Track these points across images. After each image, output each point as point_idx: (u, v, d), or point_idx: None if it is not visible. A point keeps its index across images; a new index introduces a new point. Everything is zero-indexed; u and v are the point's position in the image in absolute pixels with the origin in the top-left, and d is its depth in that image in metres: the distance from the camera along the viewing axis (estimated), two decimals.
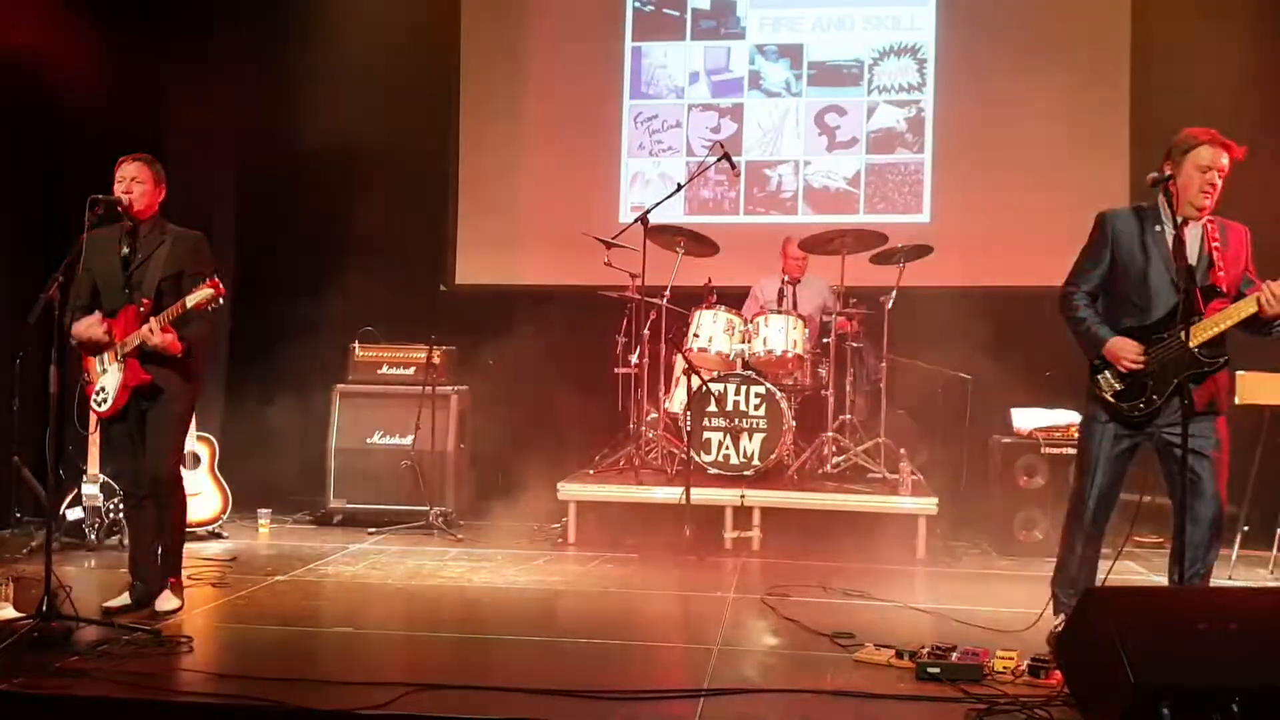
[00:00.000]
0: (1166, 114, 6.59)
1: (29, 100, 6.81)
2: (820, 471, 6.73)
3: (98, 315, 4.58)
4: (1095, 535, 4.12)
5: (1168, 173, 3.99)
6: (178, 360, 4.58)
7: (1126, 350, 3.97)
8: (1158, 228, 4.03)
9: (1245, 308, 3.87)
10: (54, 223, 6.71)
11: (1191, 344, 3.82)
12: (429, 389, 6.89)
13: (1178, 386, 3.88)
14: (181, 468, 4.81)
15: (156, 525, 4.72)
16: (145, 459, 4.64)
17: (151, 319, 4.46)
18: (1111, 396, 3.99)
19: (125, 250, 4.58)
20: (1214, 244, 3.91)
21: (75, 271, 4.48)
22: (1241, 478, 5.83)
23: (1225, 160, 3.95)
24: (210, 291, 4.39)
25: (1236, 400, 5.76)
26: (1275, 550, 5.85)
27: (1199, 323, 3.84)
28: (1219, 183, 3.94)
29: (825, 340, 6.89)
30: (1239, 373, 5.75)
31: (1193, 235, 4.00)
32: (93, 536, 5.96)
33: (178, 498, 4.73)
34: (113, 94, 7.14)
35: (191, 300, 4.40)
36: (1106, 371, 4.03)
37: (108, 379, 4.57)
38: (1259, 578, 5.74)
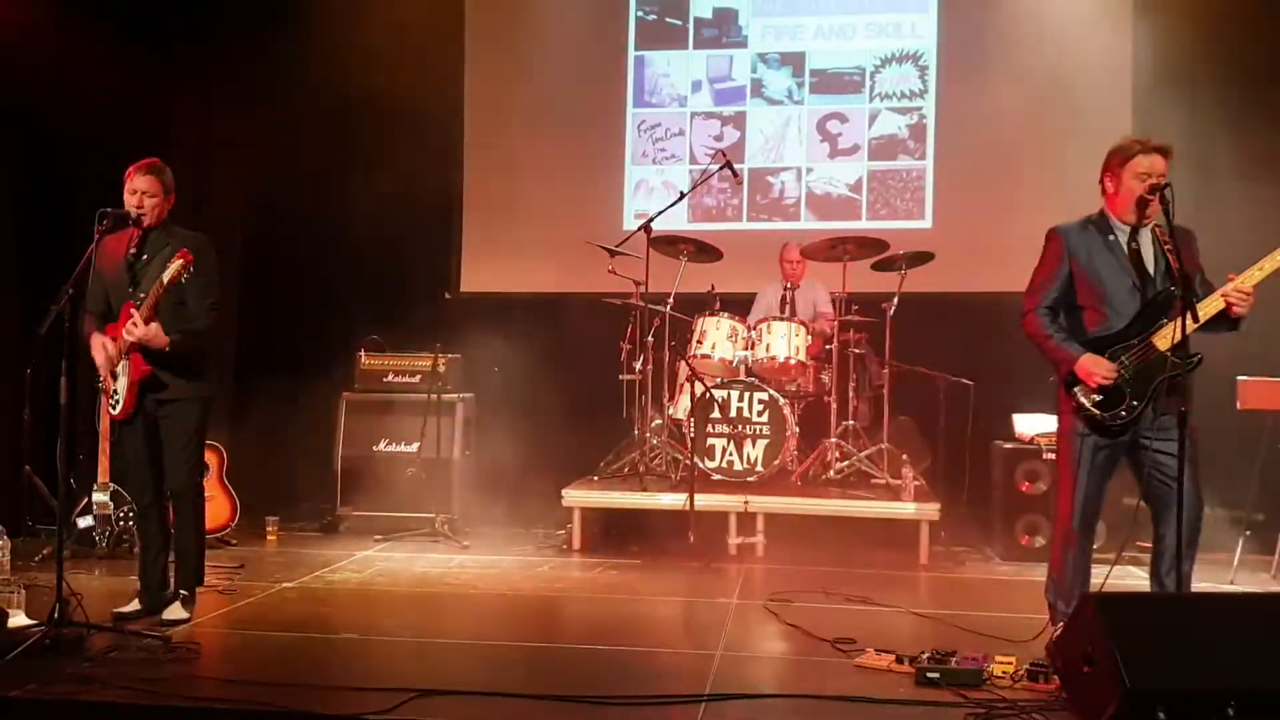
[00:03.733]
0: (1168, 121, 6.64)
1: (37, 110, 6.88)
2: (823, 477, 6.76)
3: (100, 340, 4.63)
4: (1084, 544, 4.15)
5: (1107, 184, 4.10)
6: (182, 363, 4.62)
7: (1099, 367, 3.97)
8: (1111, 236, 4.09)
9: (1211, 306, 3.91)
10: (63, 234, 6.78)
11: (1163, 347, 3.87)
12: (434, 397, 6.94)
13: (1155, 391, 3.92)
14: (202, 476, 4.86)
15: (165, 534, 4.78)
16: (159, 469, 4.70)
17: (134, 313, 4.49)
18: (1093, 407, 4.02)
19: (132, 253, 4.64)
20: (1167, 248, 3.95)
21: (85, 283, 4.53)
22: (1243, 484, 5.86)
23: (1163, 164, 4.00)
24: (180, 262, 4.41)
25: (1238, 406, 5.79)
26: (1277, 556, 5.87)
27: (1168, 326, 3.88)
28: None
29: (828, 346, 6.93)
30: (1240, 378, 5.77)
31: (1145, 241, 4.06)
32: (103, 544, 6.01)
33: (196, 509, 4.78)
34: (121, 104, 7.22)
35: (166, 275, 4.42)
36: (1083, 383, 4.06)
37: (119, 380, 4.63)
38: (1261, 583, 5.77)
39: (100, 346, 4.63)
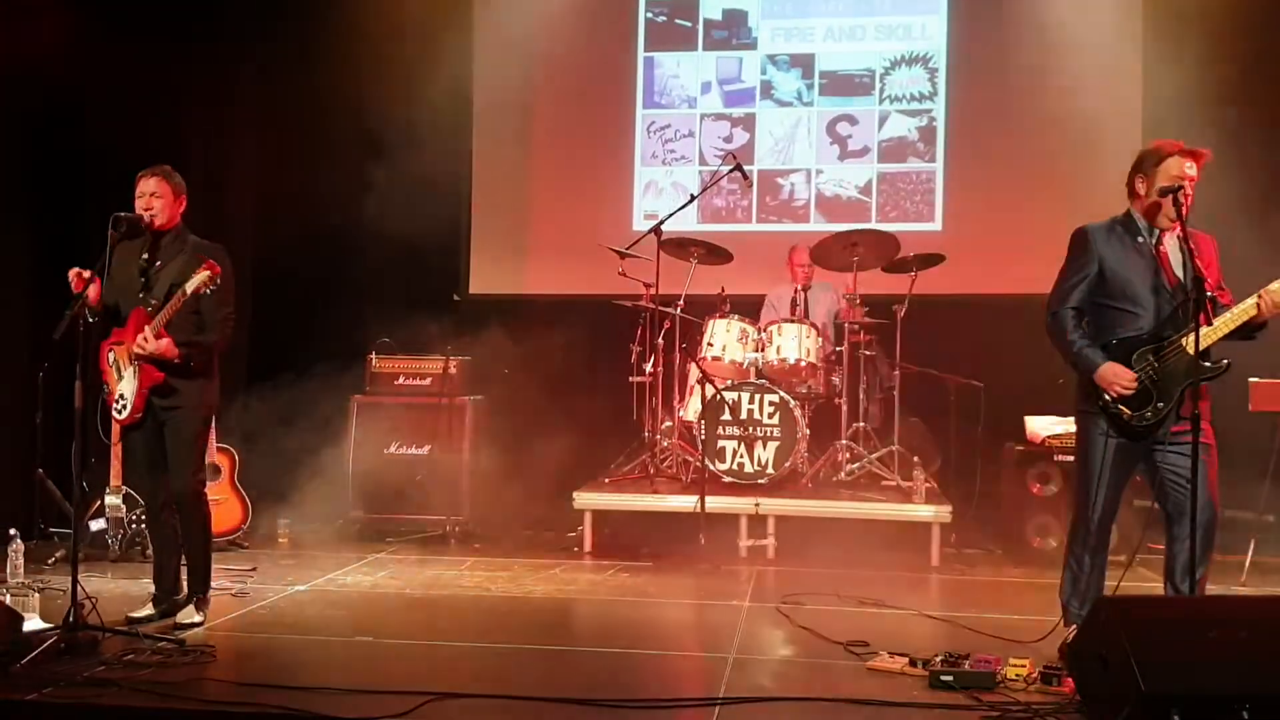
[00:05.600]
0: (1178, 121, 6.62)
1: (52, 115, 6.91)
2: (834, 479, 6.76)
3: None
4: (1101, 546, 4.15)
5: (1138, 185, 4.09)
6: (191, 371, 4.63)
7: (1120, 377, 3.98)
8: (1139, 239, 4.08)
9: (1244, 312, 3.91)
10: (77, 238, 6.80)
11: (1191, 351, 3.86)
12: (445, 399, 6.95)
13: (1182, 394, 3.92)
14: (205, 481, 4.87)
15: (177, 537, 4.80)
16: (166, 473, 4.70)
17: (145, 327, 4.49)
18: (1123, 405, 4.01)
19: (144, 257, 4.65)
20: (1194, 253, 3.95)
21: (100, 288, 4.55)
22: (1254, 486, 5.84)
23: (1195, 170, 4.00)
24: (207, 273, 4.41)
25: (1250, 408, 5.78)
26: None
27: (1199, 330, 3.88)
28: (1190, 192, 3.98)
29: (839, 347, 6.92)
30: (1251, 380, 5.76)
31: (1171, 245, 4.06)
32: (116, 547, 6.03)
33: (201, 513, 4.77)
34: (134, 110, 7.26)
35: (190, 285, 4.42)
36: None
37: (125, 385, 4.63)
38: (1272, 584, 5.74)
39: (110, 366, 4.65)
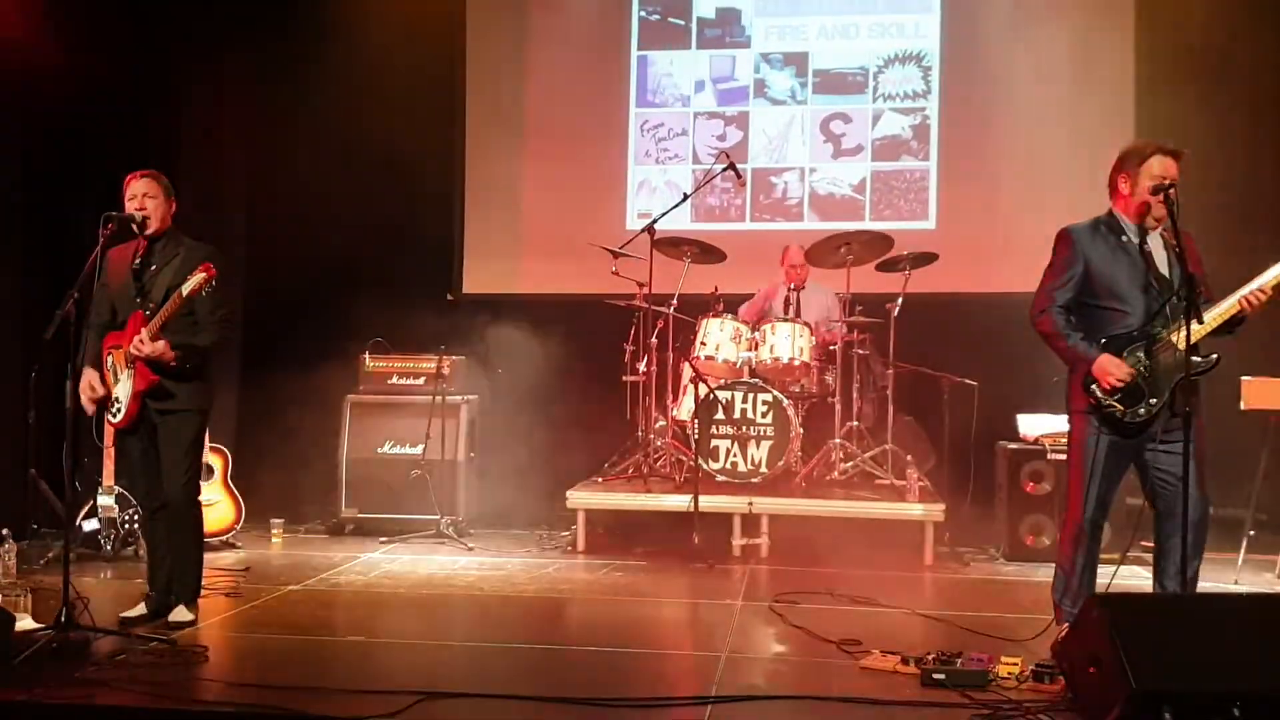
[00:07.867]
0: (1170, 120, 6.64)
1: (43, 116, 6.89)
2: (828, 478, 6.76)
3: (89, 377, 4.62)
4: (1093, 544, 4.16)
5: (1121, 185, 4.11)
6: (186, 373, 4.61)
7: (1118, 369, 3.99)
8: (1124, 238, 4.11)
9: (1230, 309, 3.93)
10: (68, 238, 6.79)
11: (1181, 347, 3.87)
12: (439, 398, 6.95)
13: (1173, 390, 3.93)
14: (199, 486, 4.85)
15: (170, 537, 4.78)
16: (161, 476, 4.68)
17: (142, 329, 4.48)
18: (1116, 401, 4.02)
19: (138, 261, 4.64)
20: (1176, 251, 3.97)
21: (91, 288, 4.53)
22: (1247, 483, 5.86)
23: (1175, 168, 4.03)
24: (203, 275, 4.39)
25: (1241, 406, 5.79)
26: None
27: (1183, 326, 3.89)
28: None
29: (831, 347, 6.93)
30: (1243, 378, 5.77)
31: (1155, 243, 4.09)
32: (108, 547, 6.02)
33: (193, 516, 4.75)
34: (125, 110, 7.25)
35: (187, 288, 4.39)
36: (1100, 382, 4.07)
37: (120, 389, 4.62)
38: (1265, 582, 5.76)
39: (88, 387, 4.61)
